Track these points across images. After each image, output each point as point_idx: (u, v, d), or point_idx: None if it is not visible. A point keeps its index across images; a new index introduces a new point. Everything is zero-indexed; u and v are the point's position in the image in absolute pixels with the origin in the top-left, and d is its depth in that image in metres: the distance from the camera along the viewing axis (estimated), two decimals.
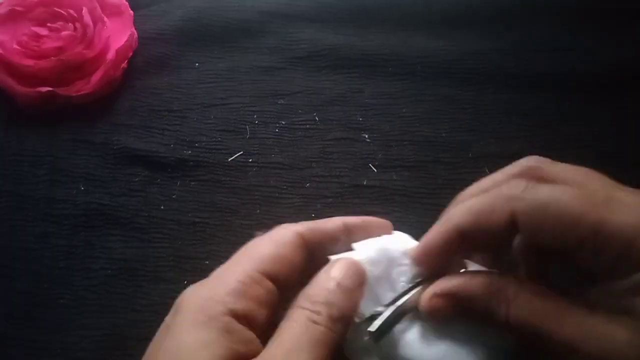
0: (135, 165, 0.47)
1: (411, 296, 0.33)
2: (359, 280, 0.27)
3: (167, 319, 0.25)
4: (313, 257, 0.28)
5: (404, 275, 0.32)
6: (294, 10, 0.55)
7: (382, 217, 0.45)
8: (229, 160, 0.48)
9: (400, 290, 0.33)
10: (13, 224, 0.45)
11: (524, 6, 0.54)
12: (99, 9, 0.51)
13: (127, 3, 0.53)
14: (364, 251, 0.31)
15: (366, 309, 0.33)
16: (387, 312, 0.29)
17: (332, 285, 0.26)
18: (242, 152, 0.48)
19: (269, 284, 0.26)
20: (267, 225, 0.44)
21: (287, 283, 0.27)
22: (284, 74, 0.52)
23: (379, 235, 0.30)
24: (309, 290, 0.26)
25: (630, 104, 0.49)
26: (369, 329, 0.32)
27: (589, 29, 0.53)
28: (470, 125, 0.49)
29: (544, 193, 0.26)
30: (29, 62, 0.49)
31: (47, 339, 0.41)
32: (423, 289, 0.34)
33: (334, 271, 0.26)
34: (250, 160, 0.48)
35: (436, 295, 0.28)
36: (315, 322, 0.24)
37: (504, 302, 0.25)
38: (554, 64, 0.51)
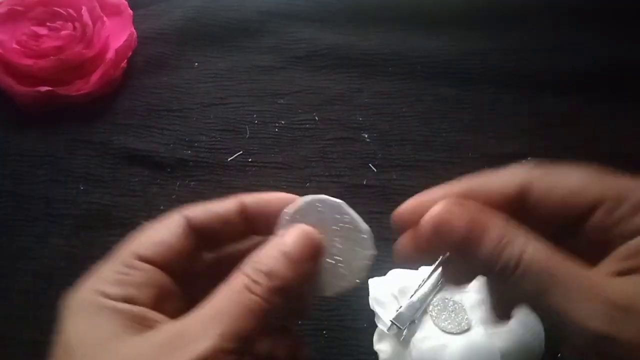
0: (135, 165, 0.47)
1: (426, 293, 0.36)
2: (310, 252, 0.25)
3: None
4: (206, 238, 0.27)
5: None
6: (293, 10, 0.55)
7: (382, 217, 0.45)
8: (229, 160, 0.48)
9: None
10: (13, 224, 0.45)
11: (524, 6, 0.54)
12: (98, 8, 0.51)
13: (126, 3, 0.53)
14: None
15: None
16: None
17: (278, 253, 0.25)
18: (241, 152, 0.48)
19: (147, 266, 0.25)
20: None
21: (170, 264, 0.26)
22: (283, 74, 0.52)
23: (279, 212, 0.28)
24: (254, 255, 0.25)
25: (630, 104, 0.49)
26: (390, 320, 0.36)
27: (589, 29, 0.53)
28: (470, 125, 0.49)
29: (554, 167, 0.26)
30: (29, 62, 0.49)
31: (47, 339, 0.41)
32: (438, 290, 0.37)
33: (286, 238, 0.25)
34: (250, 160, 0.48)
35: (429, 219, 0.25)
36: (251, 291, 0.23)
37: (517, 243, 0.23)
38: (554, 64, 0.51)
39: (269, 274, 0.24)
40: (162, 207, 0.45)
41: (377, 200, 0.46)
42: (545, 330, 0.30)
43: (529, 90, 0.50)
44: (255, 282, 0.23)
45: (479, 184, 0.27)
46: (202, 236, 0.27)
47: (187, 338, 0.22)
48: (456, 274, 0.28)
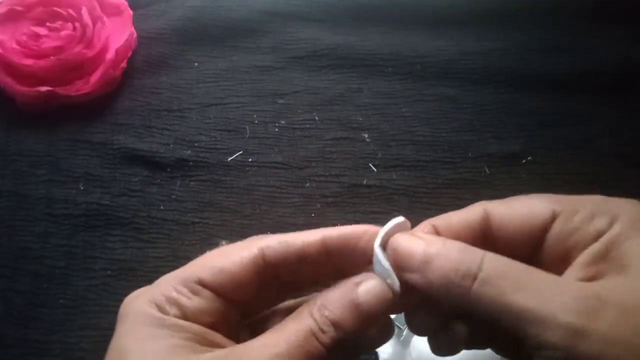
0: (134, 165, 0.47)
1: None
2: (382, 309, 0.24)
3: (116, 327, 0.25)
4: (280, 274, 0.26)
5: None
6: (293, 10, 0.55)
7: (382, 217, 0.45)
8: (229, 160, 0.48)
9: None
10: (13, 224, 0.45)
11: (524, 6, 0.54)
12: (98, 8, 0.51)
13: (126, 3, 0.53)
14: None
15: None
16: None
17: (349, 303, 0.24)
18: (241, 152, 0.48)
19: (207, 293, 0.25)
20: (267, 225, 0.45)
21: (235, 297, 0.25)
22: (283, 74, 0.52)
23: (359, 248, 0.27)
24: (327, 296, 0.24)
25: (630, 104, 0.49)
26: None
27: (589, 29, 0.53)
28: (470, 125, 0.49)
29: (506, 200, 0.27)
30: (29, 62, 0.49)
31: (47, 339, 0.41)
32: None
33: (361, 289, 0.24)
34: (250, 159, 0.48)
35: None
36: (317, 339, 0.23)
37: (475, 254, 0.23)
38: (554, 64, 0.51)
39: (335, 324, 0.23)
40: (162, 207, 0.46)
41: (377, 200, 0.46)
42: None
43: (529, 90, 0.50)
44: (322, 330, 0.23)
45: (443, 220, 0.27)
46: (276, 272, 0.26)
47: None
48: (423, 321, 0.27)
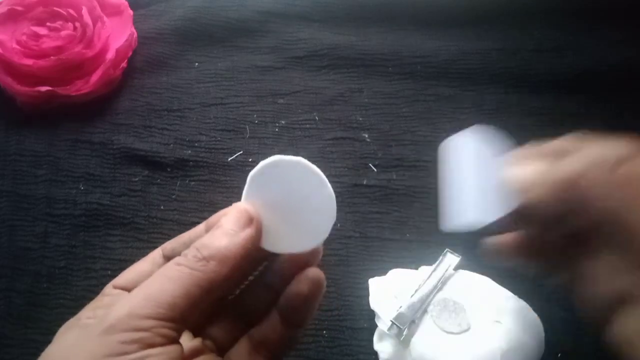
0: (134, 165, 0.47)
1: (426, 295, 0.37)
2: (243, 222, 0.26)
3: None
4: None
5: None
6: (293, 10, 0.55)
7: (382, 217, 0.45)
8: (229, 160, 0.48)
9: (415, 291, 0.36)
10: (13, 224, 0.45)
11: (524, 6, 0.54)
12: (98, 8, 0.51)
13: (126, 3, 0.53)
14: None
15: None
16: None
17: (213, 230, 0.26)
18: (241, 152, 0.48)
19: (116, 291, 0.28)
20: None
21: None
22: (283, 74, 0.52)
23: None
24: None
25: (630, 104, 0.49)
26: (390, 319, 0.37)
27: (588, 29, 0.53)
28: (470, 125, 0.49)
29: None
30: (29, 62, 0.49)
31: (47, 339, 0.40)
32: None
33: (222, 218, 0.26)
34: (250, 159, 0.48)
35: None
36: (176, 264, 0.24)
37: None
38: (554, 64, 0.51)
39: (199, 247, 0.25)
40: (162, 207, 0.46)
41: (377, 200, 0.46)
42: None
43: (529, 90, 0.50)
44: (183, 255, 0.25)
45: None
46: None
47: (107, 313, 0.23)
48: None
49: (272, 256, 0.28)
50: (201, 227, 0.29)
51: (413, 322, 0.37)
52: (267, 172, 0.27)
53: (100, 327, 0.23)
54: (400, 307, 0.38)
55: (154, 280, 0.24)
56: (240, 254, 0.25)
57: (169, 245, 0.29)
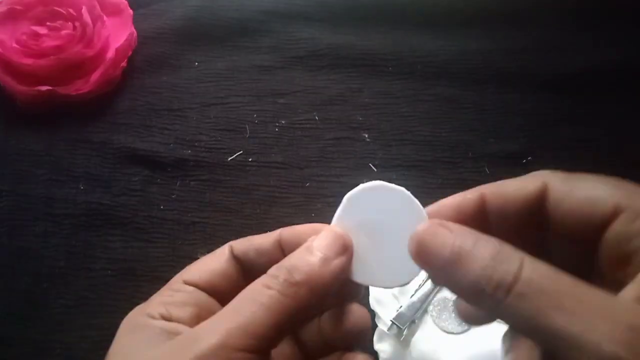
0: (135, 164, 0.47)
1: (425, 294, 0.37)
2: (337, 249, 0.25)
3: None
4: (246, 266, 0.28)
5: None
6: (293, 9, 0.55)
7: None
8: (229, 159, 0.48)
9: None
10: (13, 223, 0.45)
11: (524, 6, 0.54)
12: (98, 7, 0.51)
13: (126, 2, 0.53)
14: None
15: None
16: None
17: (303, 250, 0.24)
18: (241, 152, 0.48)
19: (189, 288, 0.27)
20: (267, 224, 0.44)
21: (213, 286, 0.27)
22: (283, 74, 0.52)
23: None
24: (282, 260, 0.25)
25: (630, 104, 0.49)
26: (390, 320, 0.37)
27: (589, 29, 0.53)
28: (470, 125, 0.49)
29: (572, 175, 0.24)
30: (28, 61, 0.49)
31: (47, 339, 0.41)
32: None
33: (313, 240, 0.25)
34: (250, 159, 0.48)
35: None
36: (268, 287, 0.23)
37: (513, 260, 0.20)
38: (554, 64, 0.51)
39: (290, 269, 0.23)
40: (162, 207, 0.46)
41: None
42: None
43: (529, 90, 0.50)
44: (274, 277, 0.23)
45: (497, 187, 0.25)
46: (243, 265, 0.28)
47: (196, 337, 0.22)
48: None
49: (350, 288, 0.27)
50: (273, 236, 0.28)
51: (413, 322, 0.37)
52: (366, 196, 0.26)
53: (189, 352, 0.22)
54: (400, 307, 0.38)
55: (244, 304, 0.23)
56: (331, 283, 0.24)
57: (240, 246, 0.28)
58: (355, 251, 0.25)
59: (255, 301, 0.23)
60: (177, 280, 0.27)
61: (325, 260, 0.24)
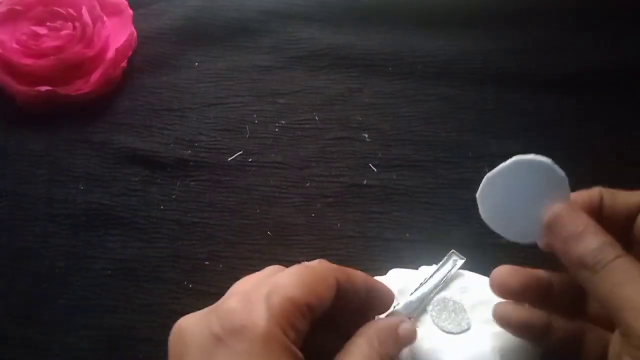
0: (135, 164, 0.47)
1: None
2: (409, 341, 0.32)
3: (178, 350, 0.26)
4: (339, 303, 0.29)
5: None
6: (293, 9, 0.55)
7: (382, 217, 0.45)
8: (229, 159, 0.48)
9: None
10: (13, 223, 0.45)
11: (524, 6, 0.54)
12: (98, 8, 0.51)
13: (126, 2, 0.53)
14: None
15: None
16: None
17: (395, 336, 0.31)
18: (241, 152, 0.48)
19: (306, 312, 0.26)
20: (267, 225, 0.44)
21: (315, 314, 0.27)
22: (283, 74, 0.52)
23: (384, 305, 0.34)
24: (378, 328, 0.30)
25: (630, 104, 0.49)
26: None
27: (589, 29, 0.53)
28: (470, 125, 0.49)
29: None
30: (28, 61, 0.49)
31: (47, 339, 0.41)
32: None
33: (403, 327, 0.31)
34: (250, 159, 0.48)
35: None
36: None
37: (615, 249, 0.27)
38: (555, 64, 0.51)
39: (387, 353, 0.29)
40: (162, 207, 0.46)
41: (377, 200, 0.46)
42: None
43: (529, 90, 0.50)
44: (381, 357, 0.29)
45: (611, 196, 0.31)
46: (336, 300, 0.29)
47: None
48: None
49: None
50: (363, 282, 0.31)
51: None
52: (522, 161, 0.30)
53: None
54: (397, 304, 0.37)
55: None
56: None
57: (344, 281, 0.29)
58: (496, 202, 0.31)
59: None
60: (302, 302, 0.26)
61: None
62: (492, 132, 0.48)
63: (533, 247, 0.32)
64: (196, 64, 0.53)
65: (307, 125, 0.49)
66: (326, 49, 0.53)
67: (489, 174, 0.31)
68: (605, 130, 0.48)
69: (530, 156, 0.30)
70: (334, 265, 0.30)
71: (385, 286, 0.33)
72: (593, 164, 0.46)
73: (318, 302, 0.27)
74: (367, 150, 0.48)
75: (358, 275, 0.31)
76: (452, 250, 0.40)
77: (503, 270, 0.32)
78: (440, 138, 0.48)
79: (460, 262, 0.40)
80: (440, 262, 0.40)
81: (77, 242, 0.44)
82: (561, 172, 0.30)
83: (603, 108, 0.49)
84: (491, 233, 0.45)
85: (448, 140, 0.48)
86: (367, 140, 0.48)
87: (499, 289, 0.33)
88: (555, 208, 0.29)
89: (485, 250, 0.43)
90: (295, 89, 0.51)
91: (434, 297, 0.38)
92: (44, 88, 0.48)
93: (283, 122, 0.49)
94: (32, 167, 0.47)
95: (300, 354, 0.25)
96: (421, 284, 0.38)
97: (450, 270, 0.39)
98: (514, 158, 0.30)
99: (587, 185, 0.44)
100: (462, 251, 0.40)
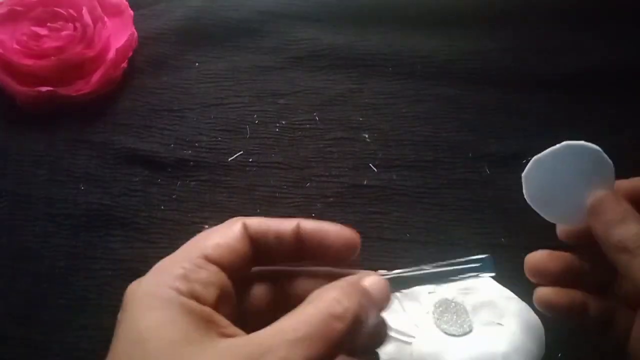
0: (135, 165, 0.47)
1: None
2: (383, 297, 0.27)
3: (119, 316, 0.25)
4: (260, 249, 0.28)
5: None
6: (293, 10, 0.55)
7: (382, 217, 0.45)
8: (229, 160, 0.48)
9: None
10: (13, 224, 0.45)
11: (524, 6, 0.54)
12: (98, 8, 0.51)
13: (127, 3, 0.53)
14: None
15: None
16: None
17: (362, 288, 0.26)
18: (242, 152, 0.48)
19: (213, 267, 0.26)
20: None
21: (232, 267, 0.26)
22: (283, 74, 0.52)
23: (334, 245, 0.29)
24: (337, 286, 0.25)
25: (630, 104, 0.49)
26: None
27: (589, 29, 0.53)
28: (470, 125, 0.49)
29: None
30: (29, 62, 0.49)
31: (47, 339, 0.41)
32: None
33: (366, 280, 0.27)
34: (250, 160, 0.48)
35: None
36: (334, 323, 0.23)
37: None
38: (554, 64, 0.51)
39: (358, 305, 0.24)
40: (162, 207, 0.46)
41: (377, 200, 0.46)
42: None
43: (529, 90, 0.50)
44: (340, 316, 0.23)
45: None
46: (257, 246, 0.28)
47: (262, 351, 0.21)
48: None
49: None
50: (291, 225, 0.28)
51: (415, 325, 0.37)
52: (572, 146, 0.32)
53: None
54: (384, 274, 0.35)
55: (313, 334, 0.22)
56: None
57: (256, 227, 0.28)
58: (542, 184, 0.32)
59: (324, 337, 0.22)
60: (196, 255, 0.26)
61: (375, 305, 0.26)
62: (492, 132, 0.48)
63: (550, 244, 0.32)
64: (196, 64, 0.53)
65: (307, 126, 0.49)
66: (326, 49, 0.53)
67: (536, 157, 0.32)
68: (605, 130, 0.48)
69: (580, 142, 0.32)
70: (247, 217, 0.28)
71: (336, 228, 0.29)
72: None
73: (214, 249, 0.26)
74: (367, 150, 0.48)
75: (282, 220, 0.28)
76: (488, 255, 0.34)
77: (539, 256, 0.33)
78: (440, 138, 0.48)
79: (486, 276, 0.34)
80: (465, 275, 0.34)
81: (78, 242, 0.44)
82: (609, 161, 0.31)
83: (603, 108, 0.49)
84: (491, 233, 0.45)
85: (448, 140, 0.48)
86: (367, 140, 0.48)
87: (537, 274, 0.33)
88: (599, 194, 0.30)
89: (485, 251, 0.42)
90: (295, 89, 0.51)
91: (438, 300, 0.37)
92: (44, 88, 0.48)
93: (283, 122, 0.49)
94: (33, 167, 0.47)
95: (192, 303, 0.23)
96: (435, 289, 0.37)
97: (468, 276, 0.34)
98: (564, 143, 0.32)
99: None
100: (462, 251, 0.40)
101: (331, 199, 0.46)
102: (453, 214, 0.45)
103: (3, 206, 0.46)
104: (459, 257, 0.40)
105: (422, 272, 0.32)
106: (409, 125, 0.49)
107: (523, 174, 0.33)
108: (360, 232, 0.44)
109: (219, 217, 0.45)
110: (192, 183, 0.47)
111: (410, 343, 0.36)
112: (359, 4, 0.55)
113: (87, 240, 0.44)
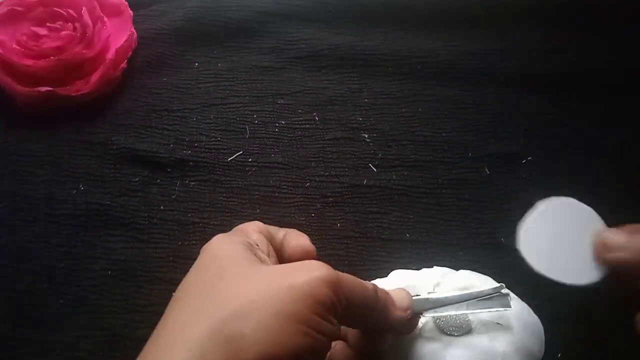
0: (135, 165, 0.47)
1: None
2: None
3: (196, 262, 0.32)
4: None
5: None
6: (293, 10, 0.55)
7: (382, 217, 0.45)
8: (229, 160, 0.48)
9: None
10: (13, 224, 0.45)
11: (523, 6, 0.54)
12: (98, 8, 0.51)
13: (126, 3, 0.53)
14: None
15: None
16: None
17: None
18: (241, 152, 0.48)
19: (260, 235, 0.34)
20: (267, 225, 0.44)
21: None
22: (283, 74, 0.52)
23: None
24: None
25: (630, 104, 0.49)
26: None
27: (588, 29, 0.53)
28: (470, 125, 0.49)
29: None
30: (29, 62, 0.49)
31: (47, 339, 0.41)
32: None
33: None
34: (250, 160, 0.48)
35: None
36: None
37: None
38: (553, 64, 0.51)
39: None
40: (162, 207, 0.46)
41: (377, 200, 0.46)
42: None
43: (529, 90, 0.50)
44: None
45: None
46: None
47: (300, 269, 0.29)
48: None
49: None
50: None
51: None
52: (559, 204, 0.33)
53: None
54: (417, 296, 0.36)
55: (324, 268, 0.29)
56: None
57: (274, 234, 0.35)
58: (544, 249, 0.33)
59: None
60: (254, 230, 0.34)
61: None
62: (492, 132, 0.48)
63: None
64: (196, 64, 0.53)
65: (307, 126, 0.49)
66: (326, 49, 0.53)
67: (521, 228, 0.33)
68: (605, 130, 0.48)
69: (552, 200, 0.33)
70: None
71: (299, 238, 0.36)
72: (593, 164, 0.46)
73: (258, 226, 0.34)
74: (367, 150, 0.48)
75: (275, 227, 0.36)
76: (505, 291, 0.35)
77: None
78: (440, 138, 0.48)
79: (502, 310, 0.36)
80: (485, 292, 0.36)
81: (77, 242, 0.44)
82: (585, 206, 0.32)
83: (603, 108, 0.49)
84: (491, 233, 0.45)
85: (448, 140, 0.48)
86: (367, 140, 0.48)
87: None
88: (599, 234, 0.32)
89: (485, 251, 0.43)
90: (295, 89, 0.51)
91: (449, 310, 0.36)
92: (44, 89, 0.48)
93: (283, 122, 0.49)
94: (33, 167, 0.47)
95: (250, 246, 0.31)
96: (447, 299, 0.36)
97: (486, 307, 0.36)
98: (538, 208, 0.33)
99: (588, 185, 0.44)
100: (462, 251, 0.40)
101: (331, 199, 0.46)
102: (453, 214, 0.45)
103: (3, 206, 0.46)
104: (459, 257, 0.40)
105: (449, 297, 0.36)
106: (408, 125, 0.49)
107: (520, 247, 0.33)
108: (360, 232, 0.44)
109: (219, 217, 0.45)
110: (192, 183, 0.47)
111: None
112: (359, 4, 0.55)
113: (87, 240, 0.44)
